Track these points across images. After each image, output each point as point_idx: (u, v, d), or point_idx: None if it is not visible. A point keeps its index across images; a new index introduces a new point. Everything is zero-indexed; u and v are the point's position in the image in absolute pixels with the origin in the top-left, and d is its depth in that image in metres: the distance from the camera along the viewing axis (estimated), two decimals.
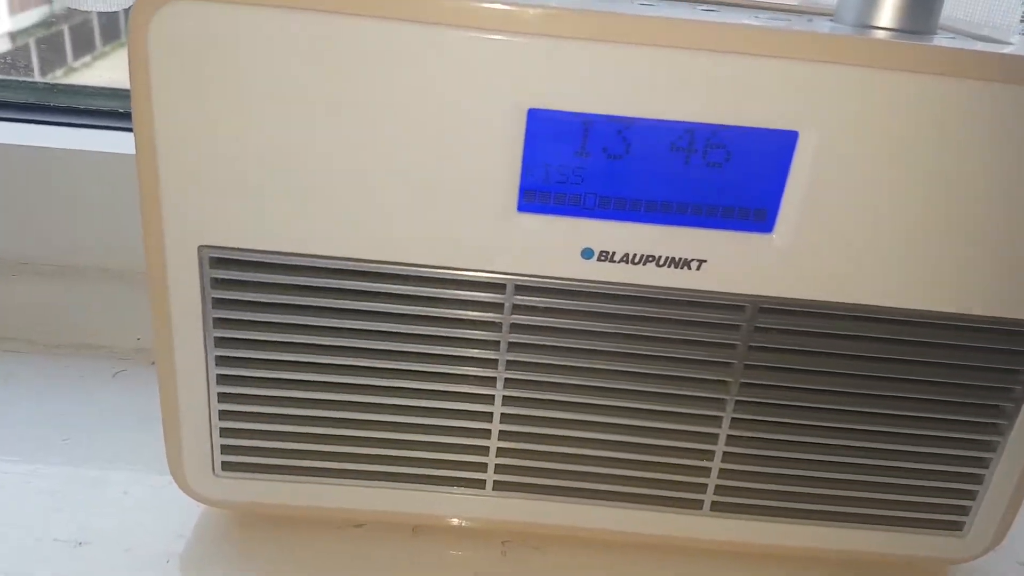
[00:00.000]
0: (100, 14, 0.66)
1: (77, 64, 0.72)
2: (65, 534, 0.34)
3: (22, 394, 0.43)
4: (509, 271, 0.30)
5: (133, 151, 0.43)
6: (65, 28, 0.69)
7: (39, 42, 0.68)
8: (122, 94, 0.51)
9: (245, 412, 0.32)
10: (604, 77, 0.27)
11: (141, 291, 0.47)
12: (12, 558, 0.33)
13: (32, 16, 0.68)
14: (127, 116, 0.50)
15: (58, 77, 0.70)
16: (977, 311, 0.30)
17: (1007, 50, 0.28)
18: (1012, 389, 0.32)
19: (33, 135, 0.47)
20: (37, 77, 0.67)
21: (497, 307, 0.31)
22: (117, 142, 0.47)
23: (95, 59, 0.73)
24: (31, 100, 0.50)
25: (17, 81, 0.51)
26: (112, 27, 0.74)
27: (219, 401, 0.32)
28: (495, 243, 0.29)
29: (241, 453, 0.33)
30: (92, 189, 0.47)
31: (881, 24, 0.30)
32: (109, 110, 0.50)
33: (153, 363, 0.45)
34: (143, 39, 0.26)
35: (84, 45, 0.72)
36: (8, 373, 0.45)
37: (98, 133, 0.48)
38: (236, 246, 0.29)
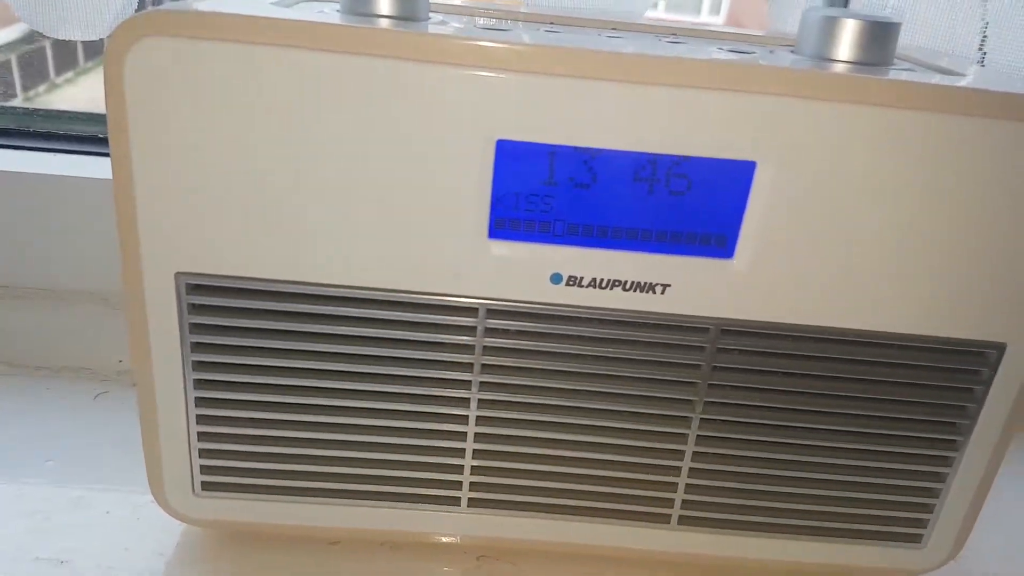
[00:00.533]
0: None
1: (60, 80, 0.72)
2: (47, 553, 0.35)
3: (4, 416, 0.44)
4: (481, 296, 0.31)
5: (105, 176, 0.44)
6: (47, 44, 0.70)
7: (21, 58, 0.69)
8: (101, 119, 0.51)
9: (224, 434, 0.33)
10: (570, 110, 0.28)
11: (122, 314, 0.48)
12: None
13: (14, 32, 0.68)
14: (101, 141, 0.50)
15: (40, 94, 0.71)
16: (930, 332, 0.31)
17: (961, 82, 0.30)
18: (966, 407, 0.33)
19: (13, 161, 0.48)
20: (19, 93, 0.67)
21: (470, 330, 0.32)
22: (98, 168, 0.48)
23: (78, 75, 0.73)
24: (11, 126, 0.51)
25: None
26: (95, 43, 0.74)
27: (198, 423, 0.33)
28: (468, 269, 0.30)
29: (220, 473, 0.34)
30: (75, 214, 0.47)
31: (838, 56, 0.31)
32: (90, 135, 0.50)
33: (135, 384, 0.46)
34: (119, 72, 0.27)
35: (67, 61, 0.72)
36: None
37: (79, 158, 0.49)
38: (213, 272, 0.30)
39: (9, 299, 0.48)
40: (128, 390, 0.47)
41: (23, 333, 0.48)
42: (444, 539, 0.36)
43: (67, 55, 0.71)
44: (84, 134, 0.50)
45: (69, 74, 0.73)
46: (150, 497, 0.35)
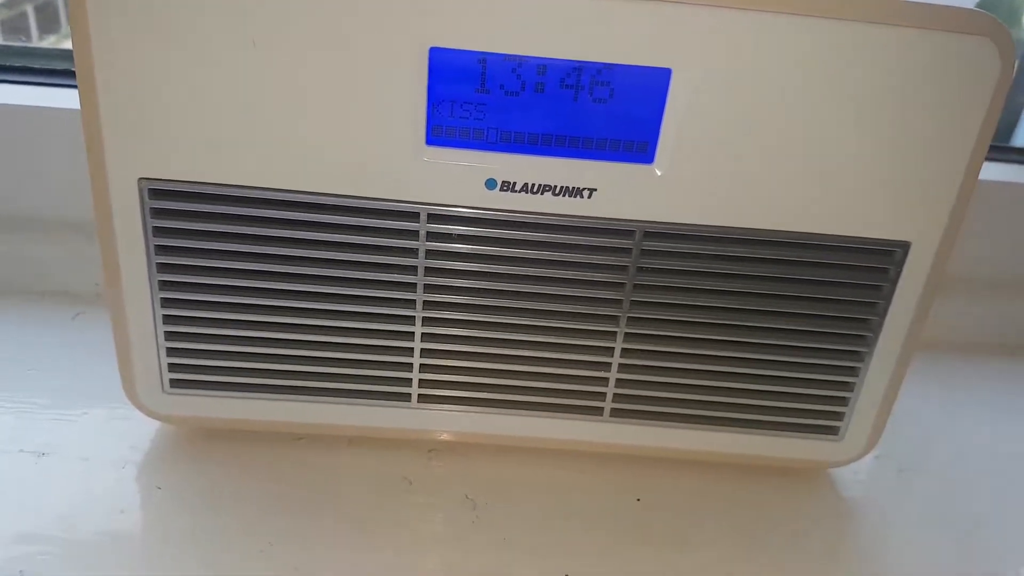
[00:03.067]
0: None
1: (44, 44, 0.72)
2: (30, 447, 0.38)
3: None
4: (421, 200, 0.33)
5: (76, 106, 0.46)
6: (29, 8, 0.70)
7: (3, 23, 0.69)
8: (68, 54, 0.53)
9: (189, 333, 0.36)
10: (499, 17, 0.30)
11: (98, 243, 0.50)
12: None
13: None
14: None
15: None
16: (840, 231, 0.34)
17: None
18: (875, 303, 0.36)
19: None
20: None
21: (413, 234, 0.34)
22: (71, 100, 0.49)
23: (60, 40, 0.73)
24: None
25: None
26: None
27: (164, 323, 0.35)
28: (408, 175, 0.33)
29: (187, 371, 0.37)
30: (51, 145, 0.49)
31: None
32: (63, 69, 0.52)
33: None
34: None
35: (49, 25, 0.72)
36: None
37: (52, 91, 0.51)
38: (172, 178, 0.32)
39: None
40: (103, 311, 0.49)
41: (6, 258, 0.50)
42: (398, 433, 0.39)
43: (49, 19, 0.71)
44: (57, 68, 0.52)
45: (51, 38, 0.73)
46: (125, 400, 0.37)
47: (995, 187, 0.52)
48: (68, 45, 0.73)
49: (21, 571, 0.32)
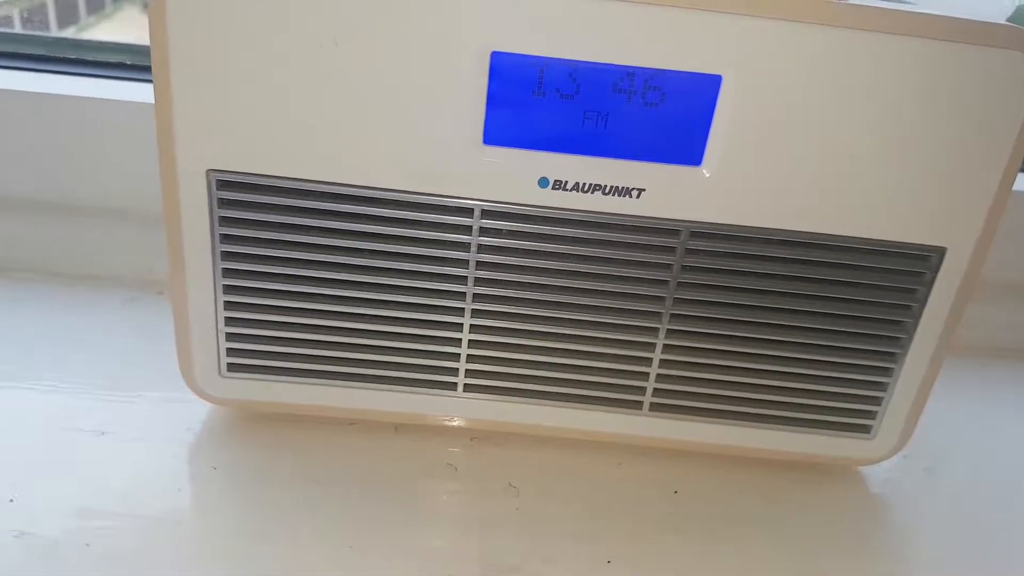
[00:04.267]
0: None
1: (64, 35, 0.73)
2: (89, 426, 0.39)
3: (42, 316, 0.48)
4: (477, 197, 0.35)
5: (135, 99, 0.48)
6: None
7: (22, 13, 0.69)
8: (127, 48, 0.55)
9: (248, 319, 0.37)
10: (558, 25, 0.31)
11: (148, 228, 0.52)
12: (43, 443, 0.38)
13: None
14: (128, 67, 0.54)
15: None
16: (880, 235, 0.35)
17: (911, 8, 0.33)
18: (910, 306, 0.37)
19: (49, 84, 0.51)
20: None
21: (467, 229, 0.35)
22: (126, 92, 0.51)
23: (80, 30, 0.74)
24: (44, 52, 0.54)
25: (34, 36, 0.55)
26: None
27: (225, 309, 0.37)
28: (464, 172, 0.34)
29: (244, 356, 0.38)
30: (110, 135, 0.51)
31: None
32: (117, 63, 0.54)
33: (160, 293, 0.50)
34: None
35: (68, 16, 0.73)
36: (22, 299, 0.50)
37: (109, 83, 0.52)
38: (240, 170, 0.34)
39: (47, 213, 0.52)
40: (154, 297, 0.51)
41: (59, 245, 0.52)
42: (442, 420, 0.41)
43: (69, 10, 0.72)
44: (111, 61, 0.54)
45: (71, 29, 0.74)
46: (179, 383, 0.39)
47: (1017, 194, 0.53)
48: (89, 36, 0.74)
49: (87, 544, 0.33)
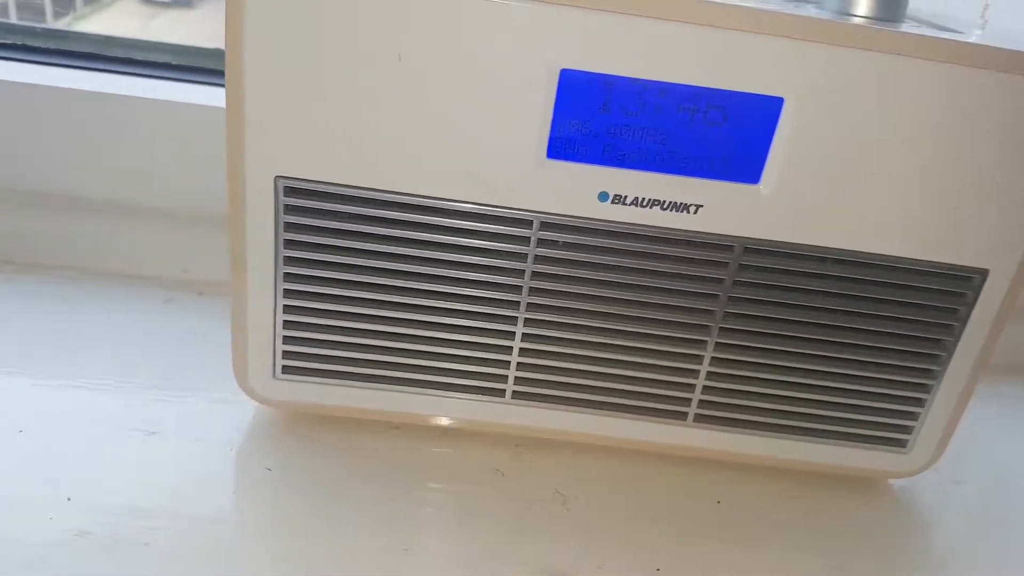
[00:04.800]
0: None
1: (59, 25, 0.73)
2: (139, 425, 0.40)
3: (83, 314, 0.48)
4: (536, 209, 0.35)
5: (179, 100, 0.48)
6: None
7: (18, 2, 0.69)
8: (168, 48, 0.55)
9: (306, 323, 0.38)
10: (626, 44, 0.32)
11: (187, 229, 0.52)
12: (94, 443, 0.39)
13: None
14: (171, 68, 0.54)
15: None
16: (925, 256, 0.36)
17: (962, 38, 0.34)
18: (952, 325, 0.38)
19: (91, 81, 0.52)
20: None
21: (524, 240, 0.36)
22: (170, 92, 0.52)
23: (75, 20, 0.74)
24: (82, 49, 0.54)
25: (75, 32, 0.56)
26: None
27: (284, 313, 0.37)
28: (526, 185, 0.35)
29: (299, 359, 0.39)
30: (152, 135, 0.51)
31: (857, 12, 0.36)
32: (163, 62, 0.54)
33: (200, 293, 0.51)
34: None
35: (64, 5, 0.72)
36: (70, 298, 0.50)
37: (152, 82, 0.53)
38: (308, 177, 0.35)
39: (87, 211, 0.52)
40: (193, 297, 0.51)
41: (99, 243, 0.52)
42: (490, 427, 0.41)
43: (64, 0, 0.71)
44: (155, 61, 0.54)
45: (67, 19, 0.74)
46: (226, 384, 0.39)
47: None
48: (82, 28, 0.72)
49: (146, 543, 0.34)
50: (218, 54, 0.54)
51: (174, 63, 0.54)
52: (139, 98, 0.51)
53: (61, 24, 0.66)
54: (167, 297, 0.51)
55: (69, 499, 0.35)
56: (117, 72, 0.54)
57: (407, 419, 0.41)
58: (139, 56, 0.54)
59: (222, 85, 0.34)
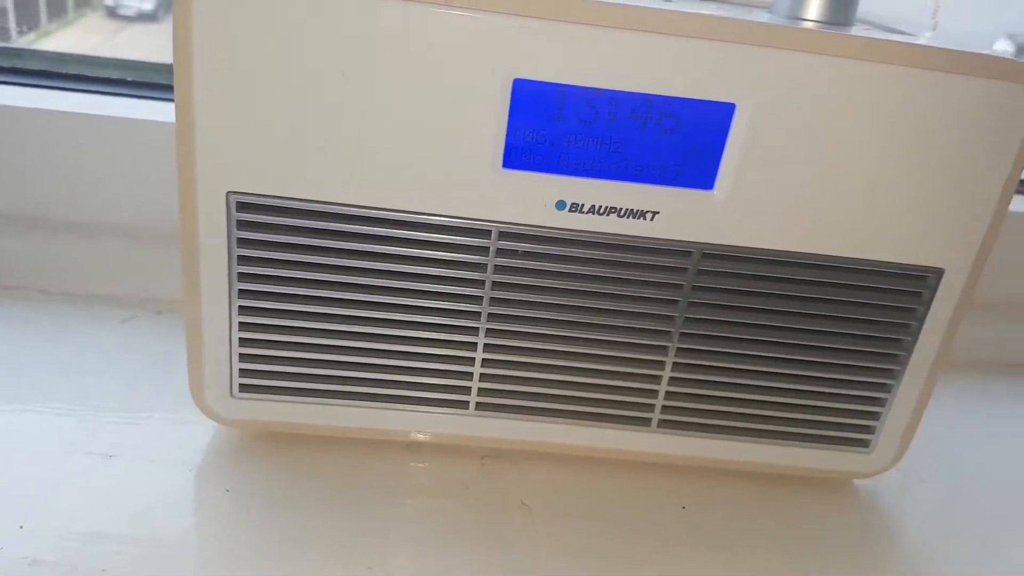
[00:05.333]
0: None
1: (21, 41, 0.72)
2: (97, 449, 0.39)
3: (41, 334, 0.47)
4: (494, 219, 0.35)
5: (138, 117, 0.47)
6: (9, 4, 0.68)
7: None
8: (127, 64, 0.54)
9: (262, 340, 0.37)
10: (578, 54, 0.32)
11: (147, 248, 0.51)
12: (49, 468, 0.38)
13: None
14: (128, 84, 0.54)
15: None
16: (879, 257, 0.36)
17: (909, 40, 0.34)
18: (909, 324, 0.38)
19: (45, 100, 0.51)
20: None
21: (483, 250, 0.36)
22: (125, 109, 0.51)
23: (39, 37, 0.73)
24: (37, 67, 0.54)
25: (29, 51, 0.55)
26: (58, 4, 0.73)
27: (240, 330, 0.37)
28: (483, 195, 0.35)
29: (256, 376, 0.38)
30: (107, 152, 0.50)
31: (807, 16, 0.36)
32: (118, 79, 0.53)
33: (159, 312, 0.50)
34: (188, 11, 0.31)
35: (29, 22, 0.71)
36: (25, 319, 0.49)
37: (106, 99, 0.52)
38: (260, 192, 0.34)
39: (45, 231, 0.51)
40: (152, 316, 0.51)
41: (57, 263, 0.51)
42: (454, 439, 0.41)
43: (29, 14, 0.70)
44: (111, 77, 0.53)
45: (31, 36, 0.73)
46: (186, 403, 0.39)
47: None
48: (49, 42, 0.71)
49: (104, 570, 0.33)
50: (163, 68, 0.54)
51: (130, 79, 0.54)
52: (93, 115, 0.50)
53: (24, 41, 0.65)
54: (125, 316, 0.50)
55: (21, 527, 0.35)
56: (74, 90, 0.53)
57: (369, 435, 0.40)
58: (92, 73, 0.54)
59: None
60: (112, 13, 0.78)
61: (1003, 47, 0.60)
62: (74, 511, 0.36)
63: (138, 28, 0.85)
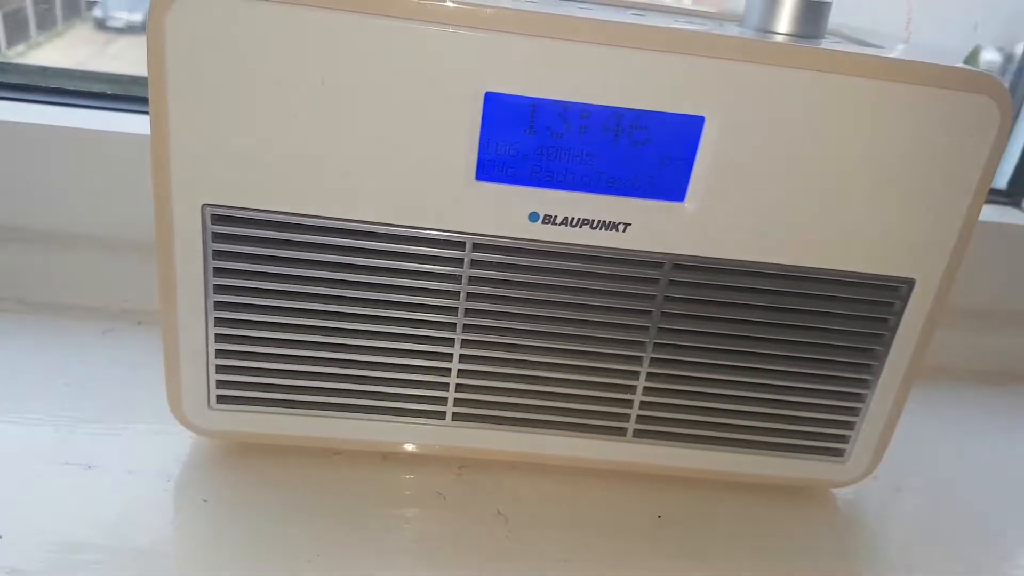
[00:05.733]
0: (36, 1, 0.66)
1: (11, 54, 0.72)
2: (75, 459, 0.39)
3: (20, 346, 0.48)
4: (468, 231, 0.36)
5: (118, 130, 0.48)
6: None
7: None
8: (104, 77, 0.55)
9: (239, 351, 0.37)
10: (549, 67, 0.33)
11: (126, 259, 0.52)
12: (29, 479, 0.38)
13: None
14: (113, 98, 0.54)
15: None
16: (852, 268, 0.37)
17: (878, 52, 0.35)
18: (881, 334, 0.39)
19: (24, 113, 0.51)
20: None
21: (457, 262, 0.36)
22: (101, 121, 0.51)
23: (30, 48, 0.73)
24: (18, 80, 0.54)
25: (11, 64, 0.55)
26: (48, 15, 0.74)
27: (216, 342, 0.37)
28: (456, 207, 0.35)
29: (234, 388, 0.38)
30: (85, 164, 0.51)
31: (778, 29, 0.36)
32: (98, 92, 0.54)
33: (139, 323, 0.50)
34: (161, 25, 0.31)
35: (19, 34, 0.71)
36: (3, 330, 0.49)
37: (84, 112, 0.52)
38: (236, 204, 0.34)
39: (21, 242, 0.52)
40: (133, 327, 0.51)
41: (36, 274, 0.52)
42: (430, 450, 0.41)
43: (19, 27, 0.71)
44: (90, 90, 0.54)
45: (21, 47, 0.73)
46: (164, 414, 0.39)
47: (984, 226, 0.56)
48: (36, 61, 0.72)
49: None
50: (143, 81, 0.54)
51: (109, 92, 0.54)
52: (72, 128, 0.50)
53: (13, 53, 0.65)
54: (105, 327, 0.50)
55: (1, 537, 0.35)
56: (56, 103, 0.53)
57: (347, 445, 0.41)
58: (73, 86, 0.54)
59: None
60: (101, 25, 0.78)
61: (990, 57, 0.61)
62: (54, 521, 0.36)
63: (128, 40, 0.85)
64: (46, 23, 0.72)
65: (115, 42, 0.88)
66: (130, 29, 0.76)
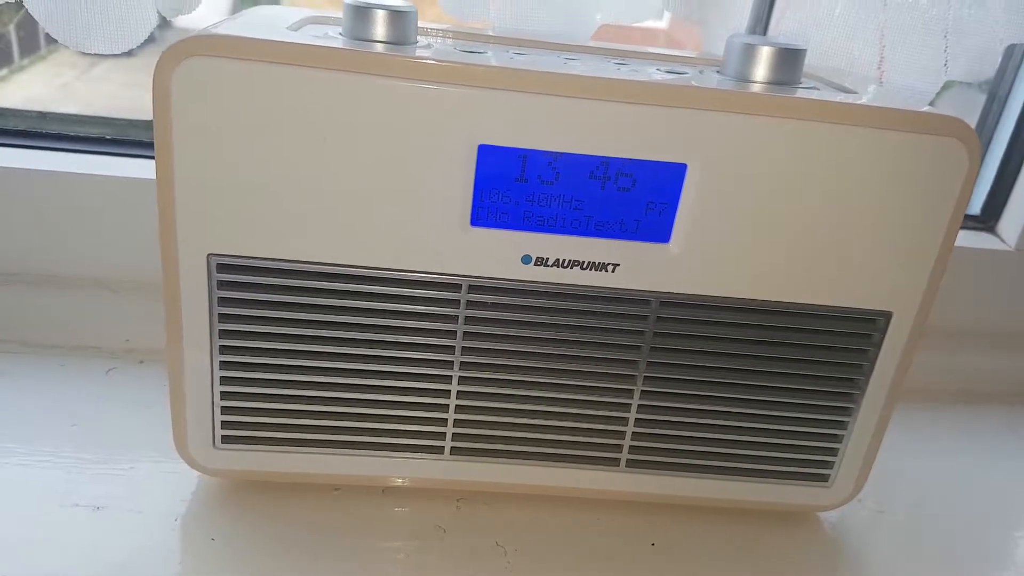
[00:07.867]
0: (18, 26, 0.67)
1: None
2: (84, 501, 0.40)
3: (25, 387, 0.49)
4: (464, 273, 0.37)
5: (116, 175, 0.49)
6: None
7: None
8: (107, 122, 0.56)
9: (243, 393, 0.39)
10: (538, 120, 0.34)
11: (126, 299, 0.53)
12: (39, 521, 0.39)
13: None
14: (107, 142, 0.55)
15: None
16: (832, 302, 0.39)
17: (851, 98, 0.37)
18: (861, 365, 0.40)
19: (30, 159, 0.52)
20: None
21: (455, 303, 0.38)
22: (104, 167, 0.53)
23: (12, 72, 0.74)
24: (24, 127, 0.55)
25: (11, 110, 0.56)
26: (31, 40, 0.74)
27: (221, 384, 0.38)
28: (453, 251, 0.37)
29: (238, 428, 0.40)
30: (87, 209, 0.52)
31: (756, 77, 0.38)
32: (97, 137, 0.55)
33: (141, 362, 0.51)
34: (167, 86, 0.33)
35: (1, 58, 0.71)
36: (5, 372, 0.50)
37: (87, 157, 0.54)
38: (240, 254, 0.36)
39: (25, 284, 0.53)
40: (135, 366, 0.52)
41: (38, 316, 0.53)
42: (429, 484, 0.42)
43: (2, 52, 0.70)
44: (91, 135, 0.55)
45: (3, 71, 0.73)
46: (170, 453, 0.40)
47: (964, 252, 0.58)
48: (18, 85, 0.71)
49: None
50: (140, 124, 0.55)
51: (108, 137, 0.55)
52: (75, 173, 0.52)
53: None
54: (109, 367, 0.51)
55: None
56: (56, 149, 0.54)
57: (349, 481, 0.42)
58: (72, 132, 0.55)
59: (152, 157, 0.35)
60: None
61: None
62: (64, 562, 0.37)
63: (112, 63, 0.86)
64: (29, 47, 0.73)
65: (99, 64, 0.89)
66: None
